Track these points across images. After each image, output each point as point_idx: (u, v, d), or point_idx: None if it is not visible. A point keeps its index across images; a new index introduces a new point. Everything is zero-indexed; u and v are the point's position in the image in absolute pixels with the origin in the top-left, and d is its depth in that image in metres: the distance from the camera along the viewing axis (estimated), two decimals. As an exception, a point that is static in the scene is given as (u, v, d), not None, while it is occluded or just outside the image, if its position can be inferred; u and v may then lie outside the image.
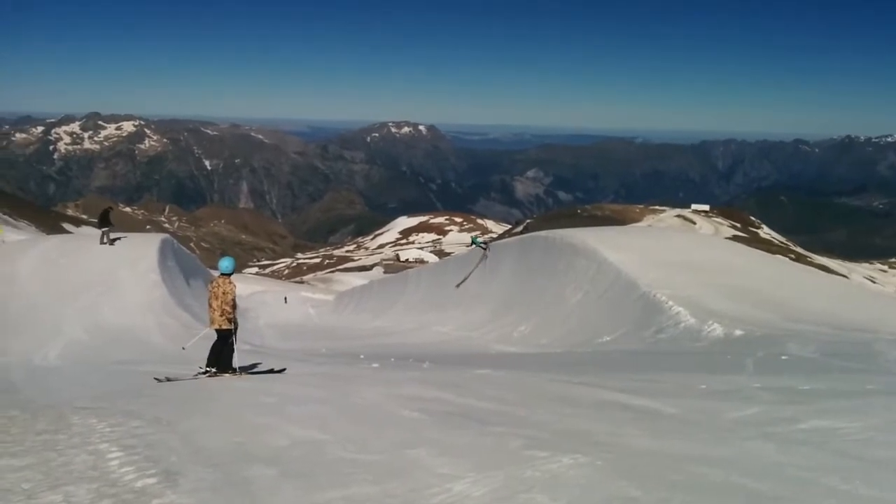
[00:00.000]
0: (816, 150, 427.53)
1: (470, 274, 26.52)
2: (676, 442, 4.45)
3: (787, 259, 45.27)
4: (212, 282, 10.22)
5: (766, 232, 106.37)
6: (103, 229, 25.27)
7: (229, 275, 10.13)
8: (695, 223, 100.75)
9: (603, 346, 14.47)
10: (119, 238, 25.89)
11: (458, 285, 26.71)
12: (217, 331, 10.06)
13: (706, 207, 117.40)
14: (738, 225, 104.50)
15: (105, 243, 24.91)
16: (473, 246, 27.26)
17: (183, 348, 11.64)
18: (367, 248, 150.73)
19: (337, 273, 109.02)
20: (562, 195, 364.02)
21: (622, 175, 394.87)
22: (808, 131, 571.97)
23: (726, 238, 62.34)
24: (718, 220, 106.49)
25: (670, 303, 14.58)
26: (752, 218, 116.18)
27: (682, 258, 18.59)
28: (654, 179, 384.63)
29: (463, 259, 31.17)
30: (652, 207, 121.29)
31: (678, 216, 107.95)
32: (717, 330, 12.71)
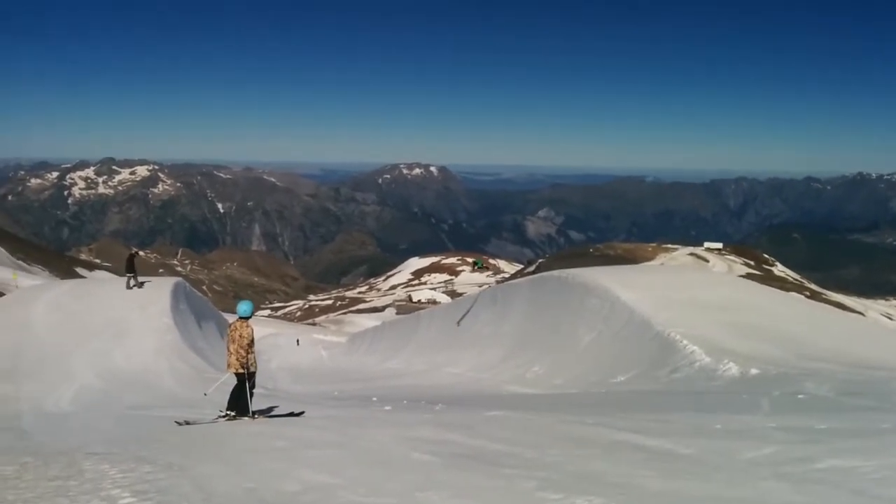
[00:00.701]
0: (828, 187, 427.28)
1: (469, 310, 26.44)
2: (691, 483, 4.41)
3: (801, 296, 44.89)
4: (230, 325, 10.29)
5: (780, 269, 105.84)
6: (129, 274, 25.68)
7: (247, 318, 10.21)
8: (708, 261, 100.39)
9: (617, 385, 14.34)
10: (145, 282, 26.18)
11: (458, 322, 26.62)
12: (235, 374, 10.10)
13: (719, 245, 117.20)
14: (752, 262, 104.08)
15: (132, 287, 25.21)
16: (478, 268, 27.27)
17: (205, 394, 11.69)
18: (379, 290, 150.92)
19: (349, 315, 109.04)
20: (573, 235, 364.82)
21: (633, 214, 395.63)
22: (819, 168, 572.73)
23: (740, 276, 62.00)
24: (731, 257, 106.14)
25: (685, 342, 14.47)
26: (766, 255, 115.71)
27: (695, 296, 18.50)
28: (666, 218, 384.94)
29: (475, 300, 31.14)
30: (664, 246, 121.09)
31: (691, 254, 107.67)
32: (732, 369, 12.58)
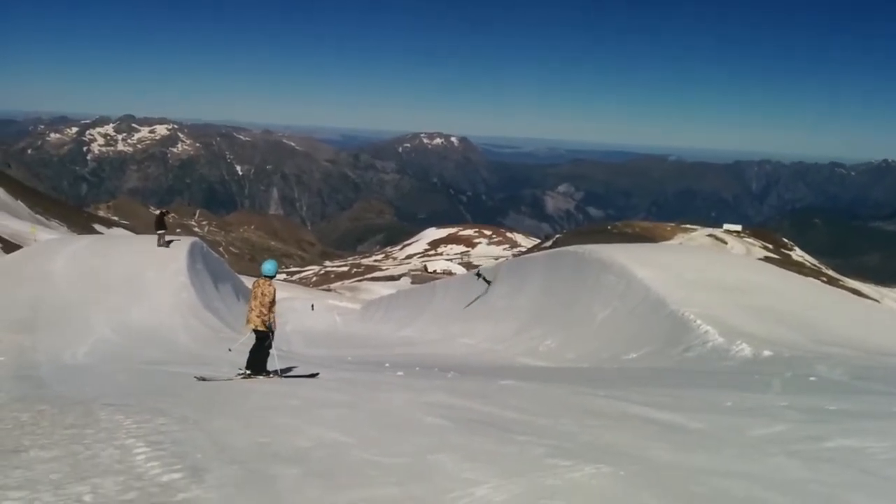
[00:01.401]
0: (853, 173, 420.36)
1: (475, 301, 26.66)
2: (700, 456, 4.41)
3: (818, 282, 44.52)
4: (254, 282, 10.38)
5: (798, 254, 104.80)
6: (159, 232, 25.92)
7: (271, 278, 10.28)
8: (726, 243, 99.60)
9: (629, 362, 14.36)
10: (173, 241, 26.39)
11: (466, 306, 26.82)
12: (255, 331, 10.20)
13: (738, 228, 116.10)
14: (771, 246, 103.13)
15: (161, 245, 25.44)
16: (480, 278, 27.42)
17: (229, 350, 11.85)
18: (395, 259, 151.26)
19: (364, 282, 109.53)
20: (592, 211, 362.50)
21: (654, 193, 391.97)
22: (844, 154, 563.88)
23: (758, 259, 61.50)
24: (750, 240, 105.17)
25: (699, 321, 14.43)
26: (785, 240, 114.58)
27: (712, 277, 18.40)
28: (687, 198, 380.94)
29: (489, 272, 31.16)
30: (683, 226, 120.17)
31: (710, 236, 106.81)
32: (745, 350, 12.54)
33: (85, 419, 6.41)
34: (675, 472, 4.02)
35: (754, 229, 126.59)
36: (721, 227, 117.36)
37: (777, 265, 31.65)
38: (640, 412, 6.20)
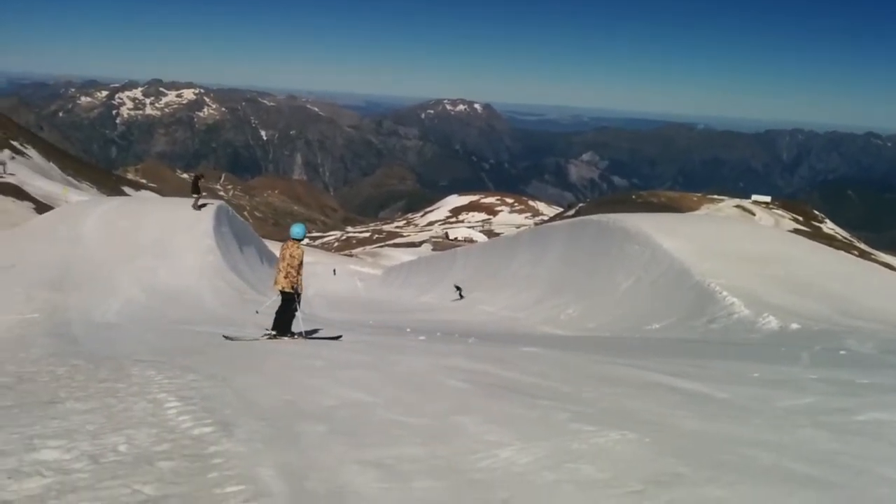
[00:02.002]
0: (889, 143, 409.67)
1: (460, 296, 27.03)
2: (726, 425, 4.40)
3: (849, 255, 43.84)
4: (283, 245, 10.48)
5: (829, 227, 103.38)
6: (194, 195, 26.20)
7: (299, 240, 10.36)
8: (754, 214, 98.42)
9: (652, 332, 14.31)
10: (206, 204, 26.64)
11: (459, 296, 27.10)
12: (281, 293, 10.31)
13: (767, 199, 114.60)
14: (801, 218, 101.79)
15: (196, 209, 25.72)
16: (458, 291, 27.86)
17: (256, 312, 12.02)
18: (416, 225, 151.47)
19: (386, 248, 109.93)
20: (617, 180, 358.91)
21: (681, 162, 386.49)
22: (881, 124, 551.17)
23: (787, 231, 60.70)
24: (780, 212, 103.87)
25: (724, 293, 14.32)
26: (816, 212, 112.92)
27: (738, 248, 18.19)
28: (715, 168, 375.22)
29: (512, 240, 31.10)
30: (710, 196, 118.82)
31: (737, 206, 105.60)
32: (772, 322, 12.44)
33: (117, 374, 6.56)
34: (701, 440, 4.02)
35: (784, 200, 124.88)
36: (749, 197, 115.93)
37: (807, 238, 31.23)
38: (664, 381, 6.19)
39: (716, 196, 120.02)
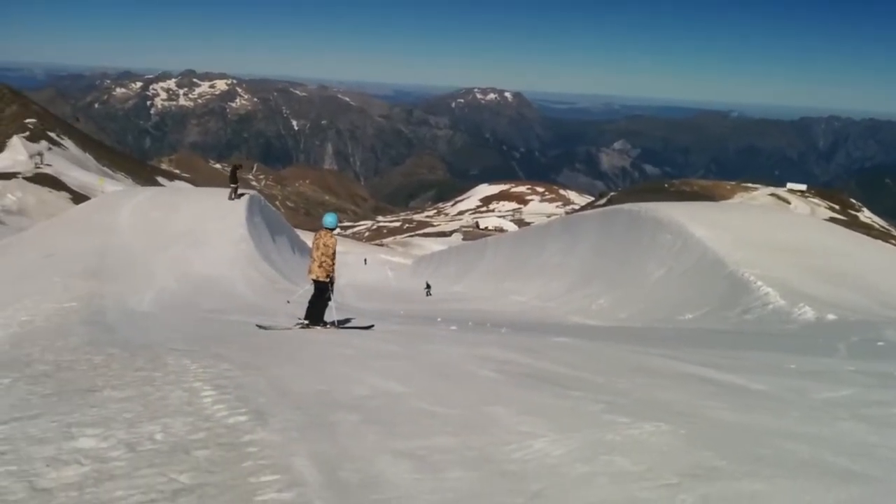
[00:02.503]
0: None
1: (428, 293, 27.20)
2: (763, 417, 4.33)
3: (887, 244, 42.89)
4: (315, 234, 10.54)
5: (866, 215, 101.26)
6: (232, 185, 26.57)
7: (332, 229, 10.42)
8: (789, 203, 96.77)
9: (685, 323, 14.16)
10: (244, 194, 26.98)
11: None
12: (314, 282, 10.38)
13: (803, 187, 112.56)
14: (837, 207, 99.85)
15: (233, 199, 26.07)
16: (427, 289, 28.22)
17: (288, 301, 12.13)
18: (446, 214, 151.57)
19: (416, 238, 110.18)
20: (649, 169, 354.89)
21: (714, 150, 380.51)
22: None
23: (823, 220, 59.54)
24: (815, 200, 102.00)
25: (759, 283, 14.10)
26: (853, 200, 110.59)
27: (773, 238, 17.89)
28: (749, 156, 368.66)
29: (543, 229, 30.96)
30: (744, 185, 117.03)
31: (772, 195, 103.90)
32: (808, 313, 12.22)
33: (153, 363, 6.67)
34: (737, 433, 3.96)
35: (820, 189, 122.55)
36: (784, 186, 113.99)
37: (843, 227, 30.58)
38: (698, 372, 6.11)
39: (750, 184, 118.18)
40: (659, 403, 4.81)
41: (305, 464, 3.62)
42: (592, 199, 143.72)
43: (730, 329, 12.50)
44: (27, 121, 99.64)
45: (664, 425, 4.05)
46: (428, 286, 28.42)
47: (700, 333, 11.95)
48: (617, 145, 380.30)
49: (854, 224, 77.80)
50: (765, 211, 38.12)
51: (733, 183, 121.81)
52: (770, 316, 12.78)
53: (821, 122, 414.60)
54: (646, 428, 4.01)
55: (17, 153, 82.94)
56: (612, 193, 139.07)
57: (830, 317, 11.80)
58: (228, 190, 26.99)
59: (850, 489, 3.02)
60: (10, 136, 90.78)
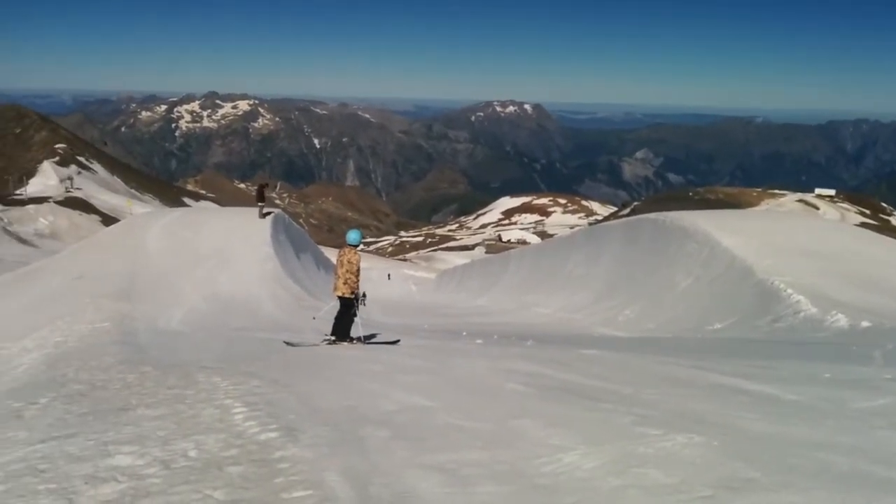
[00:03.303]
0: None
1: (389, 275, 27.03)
2: (797, 428, 4.26)
3: (919, 249, 42.10)
4: (339, 251, 10.61)
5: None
6: (259, 204, 26.90)
7: (356, 246, 10.49)
8: (818, 208, 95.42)
9: (714, 332, 13.99)
10: (271, 212, 27.28)
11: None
12: (340, 298, 10.44)
13: (832, 192, 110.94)
14: (867, 211, 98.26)
15: (262, 217, 26.37)
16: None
17: (314, 318, 12.20)
18: (469, 228, 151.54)
19: (439, 252, 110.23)
20: (672, 177, 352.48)
21: (739, 157, 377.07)
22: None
23: (853, 225, 58.65)
24: (845, 205, 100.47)
25: (789, 290, 13.88)
26: (884, 204, 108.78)
27: (803, 244, 17.63)
28: (775, 162, 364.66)
29: (566, 241, 30.84)
30: (771, 191, 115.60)
31: (800, 201, 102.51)
32: (841, 320, 12.00)
33: (185, 381, 6.74)
34: (771, 444, 3.90)
35: (849, 193, 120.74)
36: (812, 191, 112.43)
37: (874, 231, 30.08)
38: (730, 382, 6.03)
39: (777, 191, 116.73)
40: (691, 414, 4.76)
41: (337, 479, 3.64)
42: (615, 209, 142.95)
43: (760, 338, 12.32)
44: (57, 146, 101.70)
45: (696, 437, 4.01)
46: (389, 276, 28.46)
47: (730, 343, 11.79)
48: (639, 154, 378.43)
49: (885, 229, 76.40)
50: (793, 217, 37.68)
51: (759, 190, 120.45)
52: (802, 324, 12.58)
53: (848, 125, 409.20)
54: (678, 440, 3.97)
55: (48, 178, 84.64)
56: (635, 203, 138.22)
57: (864, 324, 11.58)
58: (254, 209, 27.27)
59: (890, 500, 2.97)
60: (40, 162, 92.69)
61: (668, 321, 16.22)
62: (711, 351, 10.06)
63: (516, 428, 4.54)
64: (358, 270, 10.35)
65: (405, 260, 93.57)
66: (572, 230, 53.52)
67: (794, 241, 17.91)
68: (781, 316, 13.26)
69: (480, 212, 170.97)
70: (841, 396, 5.25)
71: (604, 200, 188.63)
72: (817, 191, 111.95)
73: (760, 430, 4.24)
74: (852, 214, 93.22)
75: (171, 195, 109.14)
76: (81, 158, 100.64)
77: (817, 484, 3.19)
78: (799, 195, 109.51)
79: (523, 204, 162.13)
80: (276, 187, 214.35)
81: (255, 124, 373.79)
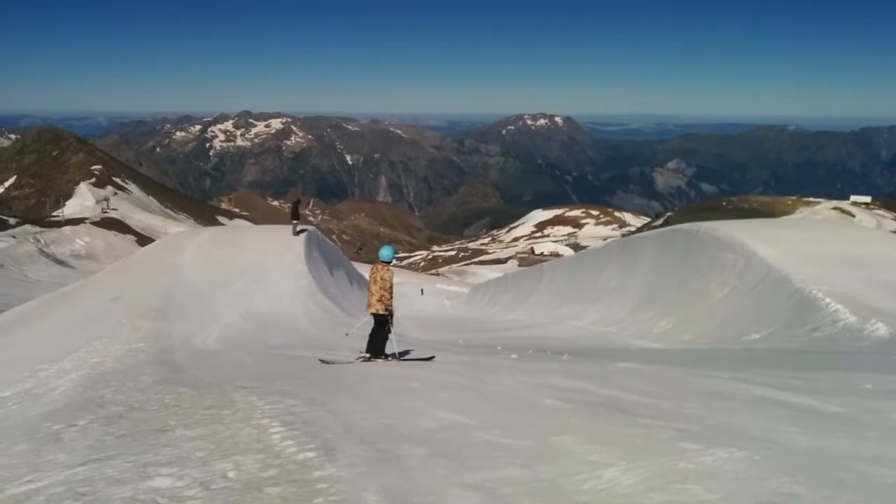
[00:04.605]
0: None
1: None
2: (841, 441, 4.18)
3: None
4: (372, 268, 10.65)
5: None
6: (293, 221, 27.20)
7: (388, 262, 10.53)
8: (854, 216, 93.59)
9: (751, 343, 13.76)
10: (305, 229, 27.55)
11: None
12: (374, 315, 10.48)
13: (867, 199, 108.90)
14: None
15: (296, 235, 26.65)
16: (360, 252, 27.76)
17: (346, 334, 12.26)
18: (501, 241, 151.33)
19: (472, 266, 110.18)
20: (705, 187, 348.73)
21: (773, 166, 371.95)
22: None
23: (891, 232, 57.33)
24: (881, 212, 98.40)
25: (827, 299, 13.62)
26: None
27: (840, 252, 17.31)
28: (809, 170, 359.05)
29: (599, 253, 30.63)
30: (805, 199, 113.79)
31: (835, 208, 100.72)
32: (881, 329, 11.74)
33: (222, 400, 6.82)
34: (815, 458, 3.83)
35: (885, 200, 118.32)
36: (848, 198, 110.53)
37: (914, 238, 29.38)
38: (770, 395, 5.94)
39: (812, 199, 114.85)
40: (731, 429, 4.70)
41: (376, 499, 3.65)
42: (648, 220, 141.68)
43: (799, 348, 12.09)
44: (93, 167, 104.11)
45: (738, 451, 3.96)
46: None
47: (768, 354, 11.59)
48: (671, 164, 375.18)
49: (926, 234, 74.71)
50: (829, 225, 37.00)
51: (794, 198, 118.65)
52: (841, 333, 12.33)
53: (882, 132, 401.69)
54: (719, 455, 3.92)
55: (85, 199, 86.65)
56: (668, 214, 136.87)
57: (906, 333, 11.31)
58: (287, 226, 27.56)
59: (940, 515, 2.90)
60: (77, 183, 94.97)
61: (704, 332, 16.02)
62: (750, 362, 9.90)
63: (555, 444, 4.52)
64: (391, 287, 10.39)
65: (438, 274, 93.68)
66: (606, 242, 53.15)
67: (831, 250, 17.59)
68: (820, 325, 13.01)
69: (513, 225, 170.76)
70: (883, 407, 5.14)
71: (636, 212, 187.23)
72: (853, 198, 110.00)
73: (803, 444, 4.16)
74: (889, 221, 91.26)
75: (205, 214, 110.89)
76: (117, 179, 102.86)
77: (862, 498, 3.13)
78: (834, 203, 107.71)
79: (555, 216, 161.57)
80: (309, 203, 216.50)
81: (288, 142, 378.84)
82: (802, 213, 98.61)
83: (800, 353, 11.25)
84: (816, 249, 17.61)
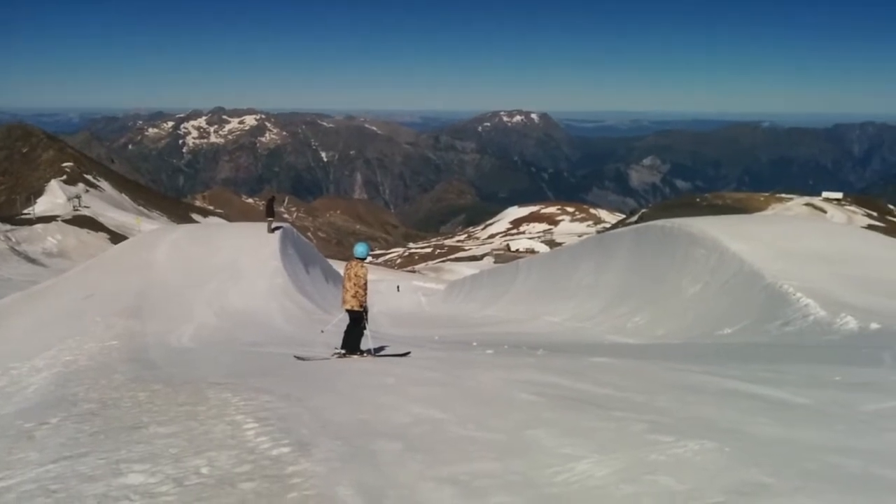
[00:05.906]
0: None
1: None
2: (809, 431, 4.26)
3: (930, 250, 41.81)
4: (347, 264, 10.63)
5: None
6: (269, 218, 26.94)
7: (363, 259, 10.52)
8: (825, 212, 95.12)
9: (724, 338, 13.95)
10: (280, 227, 27.30)
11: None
12: (348, 312, 10.46)
13: (839, 195, 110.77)
14: (875, 214, 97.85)
15: (271, 232, 26.40)
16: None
17: (322, 331, 12.21)
18: (477, 238, 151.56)
19: (448, 263, 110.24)
20: (680, 184, 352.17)
21: (746, 162, 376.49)
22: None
23: (861, 228, 58.34)
24: (852, 208, 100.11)
25: (798, 294, 13.84)
26: (891, 206, 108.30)
27: (811, 248, 17.59)
28: (782, 166, 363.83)
29: (574, 249, 30.82)
30: (778, 196, 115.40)
31: (807, 205, 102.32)
32: (850, 323, 11.95)
33: (196, 397, 6.77)
34: (783, 448, 3.90)
35: (856, 196, 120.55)
36: (819, 195, 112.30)
37: (882, 233, 29.94)
38: (740, 388, 6.03)
39: (784, 195, 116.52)
40: (702, 421, 4.76)
41: (350, 493, 3.65)
42: (623, 216, 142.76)
43: (770, 342, 12.28)
44: (64, 164, 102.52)
45: (708, 443, 4.02)
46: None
47: (740, 348, 11.76)
48: (646, 161, 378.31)
49: (893, 230, 76.09)
50: (800, 221, 37.56)
51: (767, 194, 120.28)
52: (811, 327, 12.54)
53: (854, 128, 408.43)
54: (690, 446, 3.98)
55: (56, 196, 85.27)
56: (643, 210, 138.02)
57: (874, 326, 11.52)
58: (262, 224, 27.33)
59: (903, 502, 2.96)
60: (48, 181, 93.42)
61: (678, 327, 16.20)
62: (721, 356, 10.04)
63: (529, 438, 4.55)
64: (366, 283, 10.37)
65: (414, 271, 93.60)
66: (581, 239, 53.48)
67: (802, 245, 17.87)
68: (791, 320, 13.22)
69: (489, 222, 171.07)
70: (851, 399, 5.24)
71: (612, 208, 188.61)
72: (824, 194, 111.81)
73: (772, 435, 4.24)
74: (860, 217, 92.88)
75: (179, 211, 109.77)
76: (89, 176, 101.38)
77: (829, 487, 3.19)
78: (806, 199, 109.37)
79: (531, 213, 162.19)
80: (284, 201, 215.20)
81: (262, 139, 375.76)
82: (775, 209, 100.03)
83: (771, 347, 11.42)
84: (788, 245, 17.88)
